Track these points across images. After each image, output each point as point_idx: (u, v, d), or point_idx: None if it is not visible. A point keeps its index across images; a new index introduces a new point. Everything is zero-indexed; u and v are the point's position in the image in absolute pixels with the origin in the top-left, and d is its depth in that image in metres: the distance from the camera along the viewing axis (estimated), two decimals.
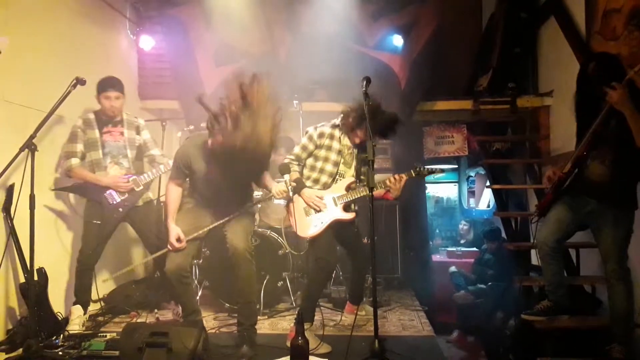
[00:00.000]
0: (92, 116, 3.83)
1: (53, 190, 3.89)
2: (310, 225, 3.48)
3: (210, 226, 3.19)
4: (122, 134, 3.90)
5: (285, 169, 3.45)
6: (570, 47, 4.55)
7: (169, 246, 3.14)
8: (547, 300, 3.45)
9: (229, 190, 3.19)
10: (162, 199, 4.47)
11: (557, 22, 4.82)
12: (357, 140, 3.50)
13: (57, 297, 3.82)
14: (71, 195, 4.09)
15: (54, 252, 3.90)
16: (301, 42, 5.08)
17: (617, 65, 3.03)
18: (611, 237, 2.98)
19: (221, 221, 3.21)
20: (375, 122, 3.16)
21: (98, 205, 3.77)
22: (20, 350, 3.11)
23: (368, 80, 3.12)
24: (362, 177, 3.61)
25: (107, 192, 3.77)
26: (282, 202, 4.37)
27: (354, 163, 3.56)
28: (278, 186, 3.31)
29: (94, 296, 3.85)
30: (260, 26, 5.18)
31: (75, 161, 3.74)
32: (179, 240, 3.11)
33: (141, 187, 3.89)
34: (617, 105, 2.77)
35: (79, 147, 3.77)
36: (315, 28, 5.01)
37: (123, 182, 3.79)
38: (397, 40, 5.31)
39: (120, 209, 3.81)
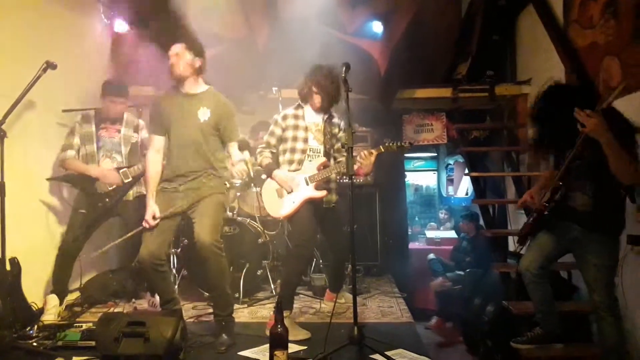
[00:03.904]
0: (92, 113, 3.98)
1: (48, 179, 3.95)
2: (282, 206, 3.50)
3: (179, 206, 3.12)
4: (118, 131, 4.01)
5: (269, 169, 3.53)
6: (548, 35, 4.58)
7: (144, 223, 3.09)
8: (539, 327, 3.29)
9: (196, 156, 3.15)
10: None
11: (535, 10, 4.83)
12: (316, 104, 3.53)
13: (33, 287, 3.73)
14: (63, 187, 4.12)
15: (29, 241, 3.79)
16: (279, 28, 5.01)
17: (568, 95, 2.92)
18: (596, 267, 2.84)
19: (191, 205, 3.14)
20: (327, 80, 3.39)
21: (85, 195, 3.83)
22: None
23: (347, 66, 3.11)
24: (335, 154, 3.63)
25: (96, 183, 3.82)
26: (258, 189, 4.36)
27: (323, 139, 3.57)
28: (237, 167, 3.19)
29: (76, 285, 3.85)
30: (238, 11, 5.09)
31: (70, 153, 3.85)
32: (154, 218, 3.08)
33: (130, 179, 3.90)
34: (593, 133, 2.65)
35: (76, 140, 3.89)
36: (294, 14, 4.94)
37: (111, 175, 3.84)
38: (377, 27, 5.27)
39: (107, 199, 3.83)
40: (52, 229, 4.01)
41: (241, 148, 3.20)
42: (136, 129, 4.10)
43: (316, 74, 3.49)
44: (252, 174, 3.20)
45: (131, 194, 3.97)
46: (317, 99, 3.52)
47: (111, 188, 3.86)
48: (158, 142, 3.24)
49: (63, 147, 3.89)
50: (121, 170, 3.89)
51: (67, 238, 3.78)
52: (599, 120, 2.63)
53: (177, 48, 3.14)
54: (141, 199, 3.97)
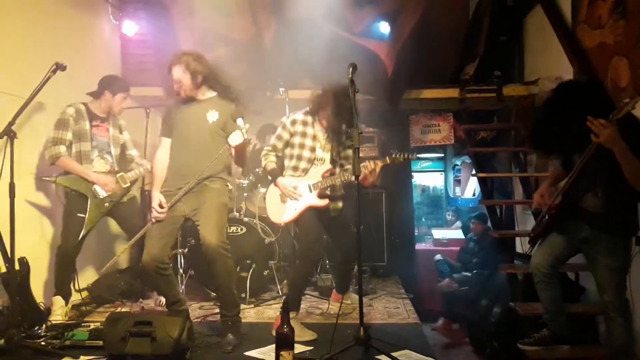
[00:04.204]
0: (83, 107, 3.79)
1: (41, 179, 3.83)
2: (285, 212, 3.51)
3: (183, 190, 3.09)
4: (107, 130, 3.91)
5: (273, 174, 3.52)
6: (556, 35, 4.55)
7: (153, 214, 3.09)
8: (546, 329, 3.27)
9: (199, 153, 3.15)
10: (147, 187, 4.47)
11: (543, 10, 4.81)
12: (324, 124, 3.50)
13: (39, 287, 3.77)
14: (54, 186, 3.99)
15: (34, 242, 3.83)
16: (287, 28, 5.02)
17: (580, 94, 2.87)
18: (606, 267, 2.82)
19: (192, 183, 3.10)
20: (340, 107, 3.27)
21: (83, 198, 3.70)
22: (2, 340, 3.05)
23: (354, 67, 3.09)
24: (342, 162, 3.61)
25: (93, 186, 3.72)
26: (265, 189, 4.37)
27: (330, 147, 3.55)
28: (232, 136, 3.05)
29: (74, 288, 3.82)
30: (245, 12, 5.11)
31: (63, 149, 3.65)
32: (161, 207, 3.08)
33: (128, 184, 3.87)
34: (606, 144, 2.59)
35: (69, 135, 3.68)
36: (301, 14, 4.94)
37: (109, 182, 3.75)
38: (384, 28, 5.26)
39: (107, 204, 3.78)
40: (59, 230, 3.99)
41: (234, 116, 3.12)
42: (120, 130, 4.02)
43: (326, 104, 3.40)
44: (246, 137, 3.06)
45: (125, 196, 3.92)
46: (325, 124, 3.50)
47: (110, 193, 3.76)
48: (167, 144, 3.27)
49: (53, 140, 3.65)
50: (118, 175, 3.83)
51: (67, 243, 3.65)
52: (613, 130, 2.57)
53: (177, 73, 3.15)
54: (134, 201, 4.03)
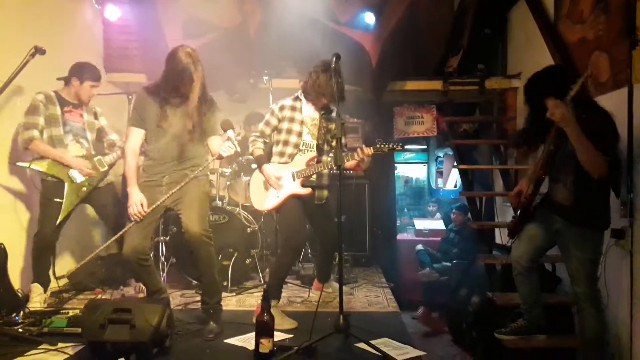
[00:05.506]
0: (52, 94, 3.72)
1: (15, 165, 3.72)
2: (267, 199, 3.51)
3: (166, 196, 3.04)
4: (81, 116, 3.85)
5: (259, 161, 3.51)
6: (539, 29, 4.60)
7: (134, 215, 3.01)
8: (522, 319, 3.34)
9: (180, 146, 3.11)
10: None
11: (526, 4, 4.86)
12: (320, 104, 3.49)
13: (16, 274, 3.73)
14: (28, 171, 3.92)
15: (9, 228, 3.78)
16: (272, 17, 4.99)
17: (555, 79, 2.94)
18: (577, 259, 2.87)
19: (175, 189, 3.05)
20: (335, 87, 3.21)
21: (60, 183, 3.64)
22: None
23: (338, 56, 3.10)
24: (328, 149, 3.60)
25: (70, 170, 3.66)
26: (248, 178, 4.37)
27: (317, 134, 3.55)
28: (224, 146, 3.06)
29: (53, 275, 3.78)
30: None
31: (36, 133, 3.55)
32: (142, 206, 3.01)
33: (105, 168, 3.84)
34: (561, 123, 2.68)
35: (40, 120, 3.59)
36: (287, 3, 4.92)
37: (87, 167, 3.72)
38: (369, 18, 5.26)
39: (84, 188, 3.72)
40: (35, 216, 3.92)
41: (225, 127, 3.12)
42: (95, 116, 3.96)
43: (323, 74, 3.37)
44: (238, 149, 3.09)
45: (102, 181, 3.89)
46: (322, 100, 3.47)
47: (85, 178, 3.72)
48: (138, 135, 3.15)
49: (25, 125, 3.56)
50: (96, 159, 3.80)
51: (45, 230, 3.60)
52: (565, 109, 2.65)
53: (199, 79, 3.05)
54: (110, 187, 4.00)
